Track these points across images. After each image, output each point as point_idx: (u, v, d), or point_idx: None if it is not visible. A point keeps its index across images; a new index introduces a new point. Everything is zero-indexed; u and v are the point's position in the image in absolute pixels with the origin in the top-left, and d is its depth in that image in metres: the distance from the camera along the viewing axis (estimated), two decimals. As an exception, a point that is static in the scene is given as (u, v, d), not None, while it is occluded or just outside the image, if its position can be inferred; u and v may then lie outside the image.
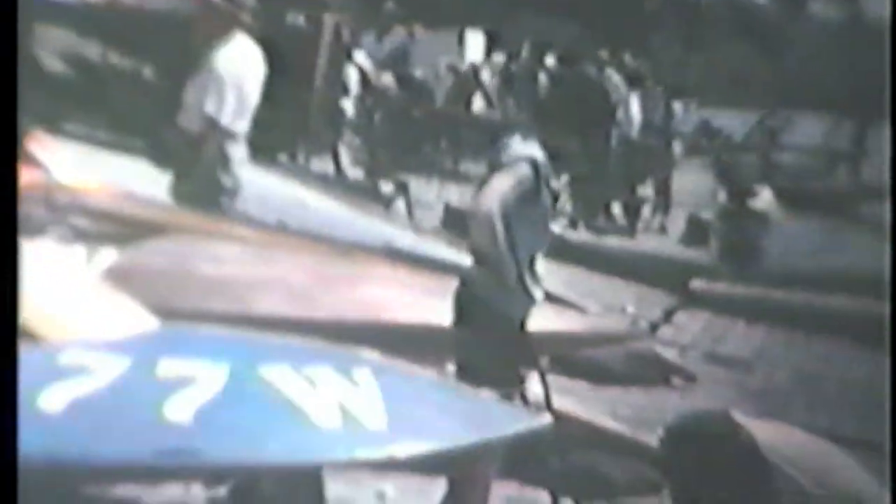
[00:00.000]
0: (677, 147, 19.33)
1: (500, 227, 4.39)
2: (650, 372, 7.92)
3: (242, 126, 6.31)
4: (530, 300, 4.64)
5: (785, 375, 10.35)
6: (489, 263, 4.49)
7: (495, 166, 4.55)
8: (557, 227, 7.77)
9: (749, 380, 9.85)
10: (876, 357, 11.58)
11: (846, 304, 12.66)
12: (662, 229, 15.12)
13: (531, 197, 4.53)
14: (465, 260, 4.81)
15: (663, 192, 15.77)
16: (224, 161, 6.23)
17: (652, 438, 4.52)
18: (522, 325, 4.62)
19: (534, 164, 4.53)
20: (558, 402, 4.80)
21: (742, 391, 9.30)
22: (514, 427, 3.53)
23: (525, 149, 4.57)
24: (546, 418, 4.21)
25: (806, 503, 4.05)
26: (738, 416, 4.22)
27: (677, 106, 18.81)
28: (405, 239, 6.75)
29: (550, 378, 4.82)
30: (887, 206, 20.50)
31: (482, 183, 4.55)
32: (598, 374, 5.88)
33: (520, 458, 4.61)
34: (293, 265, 5.17)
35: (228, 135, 6.23)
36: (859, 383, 10.63)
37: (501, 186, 4.45)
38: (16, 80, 2.88)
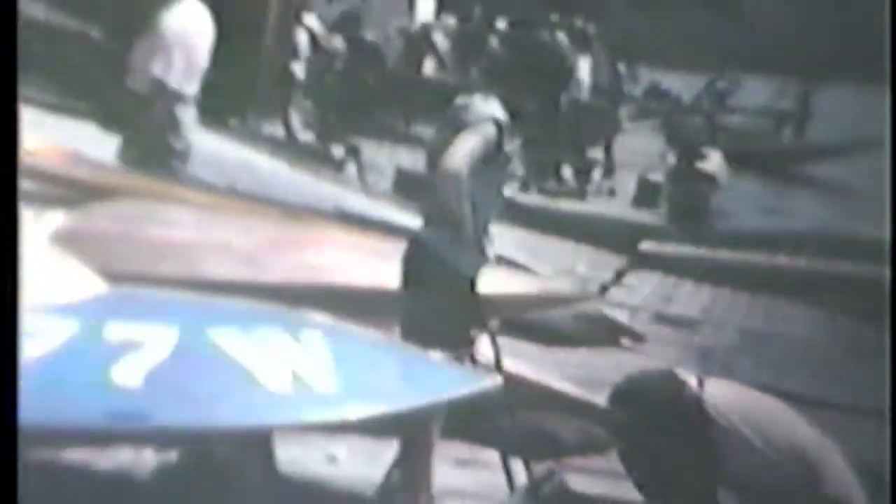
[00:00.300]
0: (626, 110, 19.41)
1: (465, 186, 4.39)
2: (599, 333, 7.96)
3: (191, 89, 6.24)
4: (484, 259, 4.65)
5: (731, 334, 10.45)
6: (451, 221, 4.48)
7: (458, 126, 4.52)
8: (509, 190, 7.76)
9: (696, 339, 9.94)
10: (818, 314, 11.76)
11: (790, 262, 12.81)
12: (612, 192, 15.18)
13: (493, 157, 4.53)
14: (416, 223, 4.80)
15: (612, 154, 15.82)
16: (173, 124, 6.16)
17: (600, 398, 4.52)
18: (474, 284, 4.61)
19: (498, 124, 4.52)
20: (508, 364, 4.82)
21: (689, 350, 9.38)
22: (464, 389, 3.53)
23: (488, 108, 4.56)
24: (496, 380, 4.22)
25: (751, 458, 4.09)
26: (683, 374, 4.24)
27: (626, 69, 18.85)
28: (356, 202, 6.73)
29: (500, 340, 4.82)
30: (830, 166, 20.67)
31: (443, 143, 4.52)
32: (547, 336, 5.91)
33: (470, 418, 4.64)
34: (243, 229, 5.13)
35: (177, 97, 6.16)
36: (802, 340, 10.77)
37: (469, 145, 4.44)
38: (15, 80, 2.77)
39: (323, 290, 4.42)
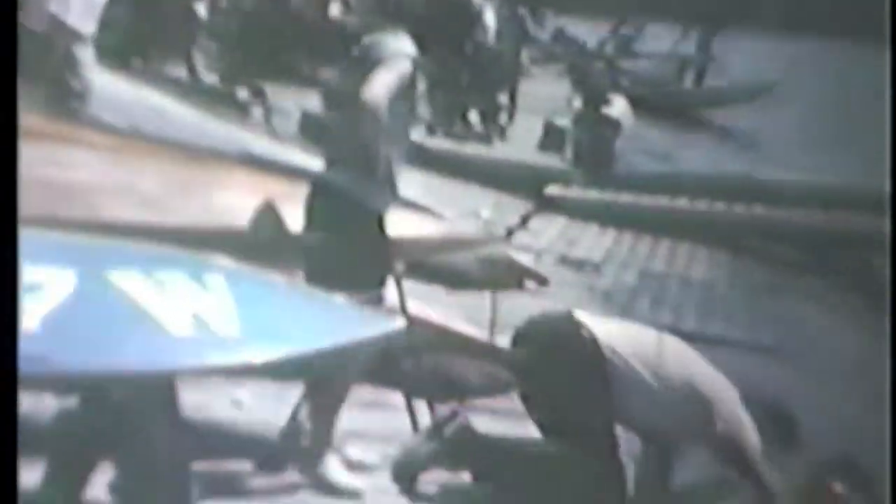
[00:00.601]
0: (532, 55, 19.40)
1: (383, 119, 4.36)
2: (504, 276, 8.01)
3: (90, 27, 6.09)
4: (394, 196, 4.64)
5: (632, 276, 10.59)
6: (362, 156, 4.45)
7: (369, 64, 4.47)
8: (415, 134, 7.74)
9: (599, 281, 10.06)
10: (717, 256, 11.97)
11: (691, 206, 12.99)
12: (517, 136, 15.20)
13: (407, 93, 4.51)
14: (321, 165, 4.77)
15: (516, 99, 15.83)
16: (71, 63, 6.02)
17: (503, 340, 4.58)
18: (382, 224, 4.59)
19: (413, 61, 4.49)
20: (413, 307, 4.84)
21: (592, 292, 9.49)
22: (369, 331, 3.52)
23: (401, 45, 4.52)
24: (400, 322, 4.24)
25: (646, 396, 4.16)
26: (581, 316, 4.29)
27: (532, 15, 18.82)
28: (262, 145, 6.66)
29: (406, 283, 4.83)
30: (730, 112, 20.93)
31: (352, 82, 4.47)
32: (452, 279, 5.92)
33: (375, 361, 4.64)
34: (145, 171, 5.05)
35: (75, 36, 6.01)
36: (700, 282, 10.96)
37: (387, 78, 4.40)
38: (15, 80, 2.70)
39: (226, 233, 4.37)
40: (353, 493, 4.39)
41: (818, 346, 9.91)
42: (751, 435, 4.12)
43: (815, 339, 10.10)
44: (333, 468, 4.40)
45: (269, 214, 4.51)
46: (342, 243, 4.46)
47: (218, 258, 3.44)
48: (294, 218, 4.52)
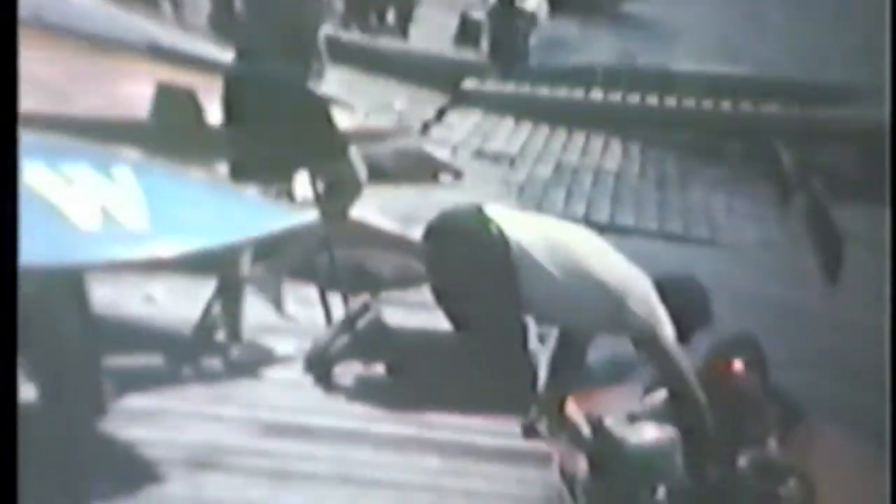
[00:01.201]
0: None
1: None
2: (419, 169, 8.00)
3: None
4: (319, 76, 4.57)
5: (547, 168, 10.64)
6: (300, 41, 4.35)
7: None
8: (329, 27, 7.61)
9: (513, 174, 10.09)
10: (630, 147, 12.06)
11: (605, 98, 13.04)
12: (433, 29, 15.04)
13: None
14: (231, 57, 4.67)
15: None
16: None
17: (417, 234, 4.57)
18: (304, 115, 4.50)
19: None
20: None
21: (507, 185, 9.52)
22: (280, 224, 3.49)
23: None
24: (313, 215, 4.21)
25: (554, 289, 4.20)
26: (491, 210, 4.30)
27: None
28: (170, 37, 6.50)
29: (320, 176, 4.78)
30: (644, 4, 20.89)
31: None
32: (368, 172, 5.88)
33: (289, 255, 4.62)
34: (50, 61, 4.91)
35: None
36: (613, 173, 11.05)
37: None
38: (16, 81, 2.69)
39: (133, 125, 4.28)
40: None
41: (726, 233, 10.09)
42: (663, 325, 4.18)
43: (722, 226, 10.27)
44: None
45: (186, 103, 4.41)
46: (254, 136, 4.39)
47: (125, 150, 3.37)
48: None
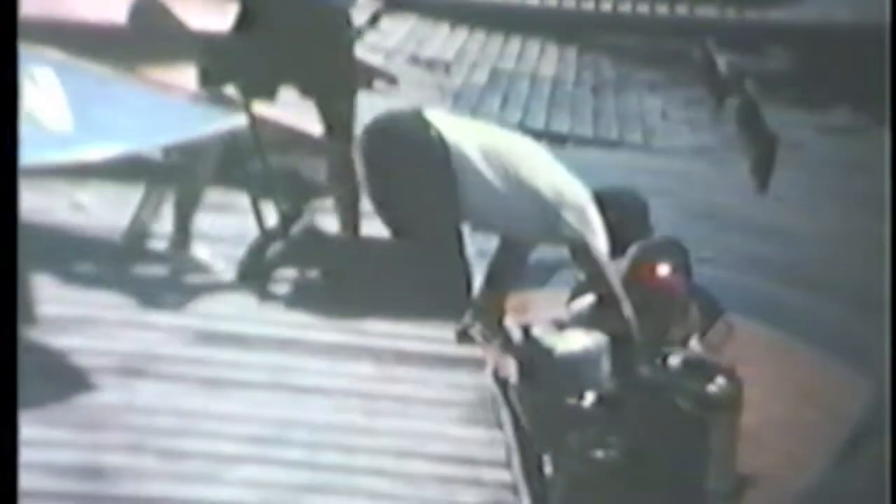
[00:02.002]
0: None
1: None
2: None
3: None
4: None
5: (482, 74, 10.56)
6: None
7: None
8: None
9: (449, 80, 10.00)
10: (567, 52, 12.00)
11: (541, 3, 12.95)
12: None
13: None
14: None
15: None
16: None
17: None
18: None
19: None
20: (259, 106, 4.69)
21: (442, 91, 9.44)
22: (210, 128, 3.43)
23: None
24: (243, 119, 4.14)
25: (494, 198, 4.18)
26: (430, 115, 4.26)
27: None
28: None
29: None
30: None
31: None
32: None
33: (220, 160, 4.54)
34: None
35: None
36: (549, 79, 11.00)
37: None
38: (16, 82, 2.65)
39: (55, 24, 4.14)
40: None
41: (660, 138, 10.13)
42: (596, 236, 4.18)
43: (657, 131, 10.31)
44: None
45: (152, 4, 4.27)
46: (274, 50, 4.28)
47: (47, 51, 3.27)
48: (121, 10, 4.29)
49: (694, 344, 4.11)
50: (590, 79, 11.42)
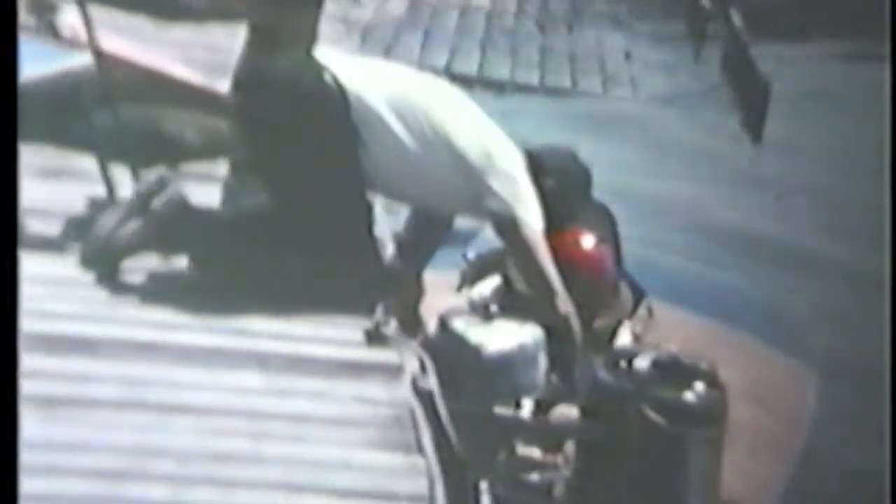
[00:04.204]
0: None
1: None
2: (231, 4, 7.80)
3: None
4: None
5: (399, 5, 10.59)
6: None
7: None
8: None
9: (356, 12, 10.01)
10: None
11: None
12: None
13: None
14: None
15: None
16: None
17: (224, 85, 4.49)
18: None
19: None
20: (106, 42, 4.67)
21: (347, 25, 9.45)
22: (40, 69, 3.39)
23: None
24: (86, 59, 4.10)
25: (405, 160, 4.18)
26: (323, 55, 4.23)
27: None
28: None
29: (95, 9, 4.64)
30: None
31: None
32: (163, 9, 5.78)
33: (57, 113, 4.49)
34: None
35: None
36: (483, 10, 11.07)
37: None
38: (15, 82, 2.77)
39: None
40: None
41: (624, 83, 10.23)
42: (527, 210, 4.21)
43: (619, 77, 10.40)
44: None
45: None
46: None
47: None
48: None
49: (625, 333, 4.19)
50: (535, 10, 11.47)
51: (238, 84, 4.26)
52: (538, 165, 4.29)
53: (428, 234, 4.47)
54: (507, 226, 4.21)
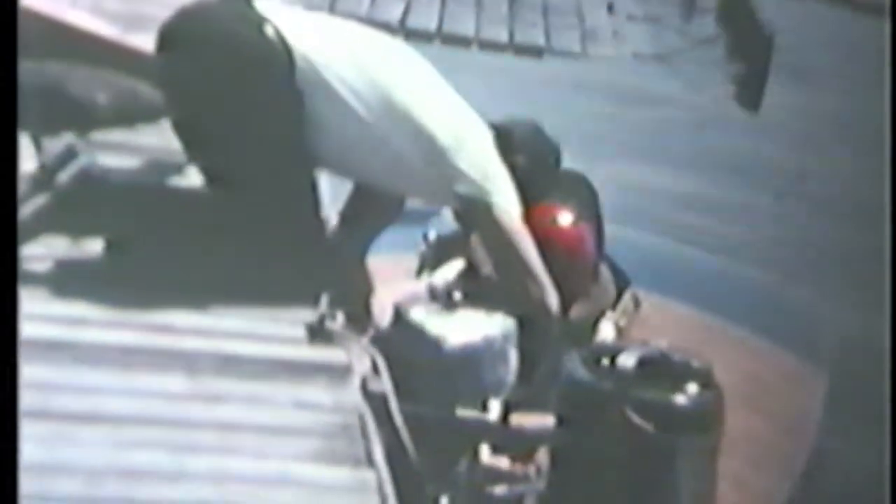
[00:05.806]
0: None
1: None
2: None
3: None
4: None
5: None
6: None
7: None
8: None
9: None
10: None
11: None
12: None
13: None
14: None
15: None
16: None
17: (147, 41, 4.47)
18: None
19: None
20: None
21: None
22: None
23: None
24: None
25: (360, 134, 4.18)
26: (264, 6, 4.22)
27: None
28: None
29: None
30: None
31: None
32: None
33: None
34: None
35: None
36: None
37: None
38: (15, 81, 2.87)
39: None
40: None
41: (606, 40, 10.28)
42: (500, 192, 4.23)
43: (599, 32, 10.46)
44: None
45: None
46: None
47: None
48: None
49: (607, 327, 4.20)
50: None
51: (164, 38, 4.22)
52: (506, 142, 4.32)
53: (373, 207, 4.48)
54: (481, 212, 4.22)
